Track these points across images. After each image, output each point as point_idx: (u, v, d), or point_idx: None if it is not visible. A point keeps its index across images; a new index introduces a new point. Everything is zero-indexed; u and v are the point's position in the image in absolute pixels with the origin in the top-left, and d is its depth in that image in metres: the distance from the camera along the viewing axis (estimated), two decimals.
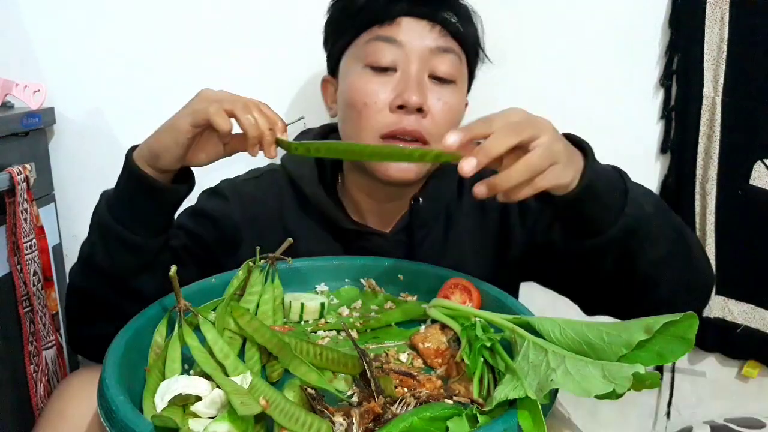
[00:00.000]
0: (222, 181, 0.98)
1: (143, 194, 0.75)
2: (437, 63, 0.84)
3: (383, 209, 0.93)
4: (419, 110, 0.82)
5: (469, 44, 0.89)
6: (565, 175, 0.64)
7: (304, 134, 1.00)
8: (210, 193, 0.97)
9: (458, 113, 0.88)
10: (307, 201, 0.92)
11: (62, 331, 1.27)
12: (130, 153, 0.76)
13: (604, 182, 0.68)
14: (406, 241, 0.91)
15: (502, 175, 0.61)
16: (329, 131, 0.97)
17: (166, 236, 0.80)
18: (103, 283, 0.78)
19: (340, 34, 0.90)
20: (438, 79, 0.85)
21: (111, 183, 1.31)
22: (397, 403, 0.55)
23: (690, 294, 0.80)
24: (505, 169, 0.61)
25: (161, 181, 0.75)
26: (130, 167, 0.75)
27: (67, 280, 0.87)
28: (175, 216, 0.84)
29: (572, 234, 0.74)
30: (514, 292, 0.96)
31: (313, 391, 0.56)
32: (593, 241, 0.70)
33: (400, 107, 0.82)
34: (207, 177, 1.00)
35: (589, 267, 0.76)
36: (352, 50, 0.88)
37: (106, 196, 0.80)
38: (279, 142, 0.70)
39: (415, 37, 0.84)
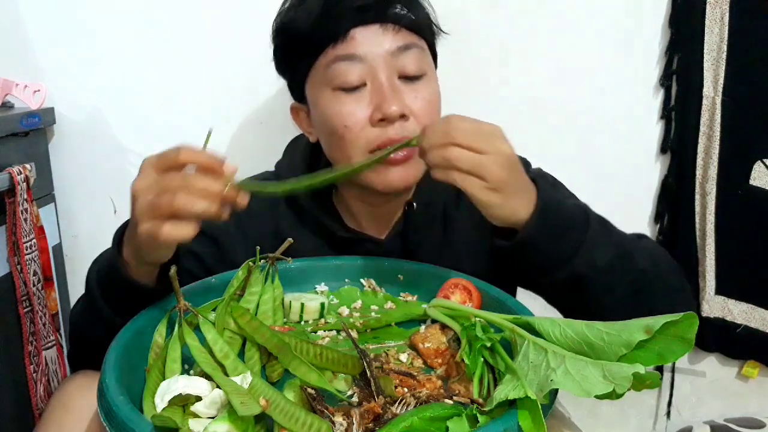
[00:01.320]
0: None
1: (141, 298, 0.72)
2: (403, 63, 0.82)
3: (378, 213, 0.92)
4: (402, 116, 0.81)
5: (425, 29, 0.86)
6: (486, 198, 0.67)
7: (297, 140, 0.99)
8: None
9: (438, 102, 0.87)
10: (303, 210, 0.91)
11: (62, 331, 1.27)
12: (117, 264, 0.70)
13: (550, 234, 0.70)
14: (402, 246, 0.91)
15: (428, 129, 0.68)
16: None
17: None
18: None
19: (296, 62, 0.87)
20: (409, 78, 0.83)
21: (111, 183, 1.32)
22: (397, 403, 0.55)
23: None
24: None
25: (157, 287, 0.71)
26: (126, 280, 0.69)
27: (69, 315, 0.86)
28: None
29: (521, 270, 0.77)
30: (512, 293, 0.96)
31: (313, 391, 0.56)
32: (540, 280, 0.74)
33: (382, 120, 0.80)
34: None
35: (548, 298, 0.80)
36: (314, 76, 0.85)
37: (97, 282, 0.74)
38: (243, 188, 0.64)
39: (372, 46, 0.81)
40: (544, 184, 0.73)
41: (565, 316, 0.82)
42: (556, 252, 0.71)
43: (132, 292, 0.70)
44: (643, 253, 0.78)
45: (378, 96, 0.81)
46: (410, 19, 0.84)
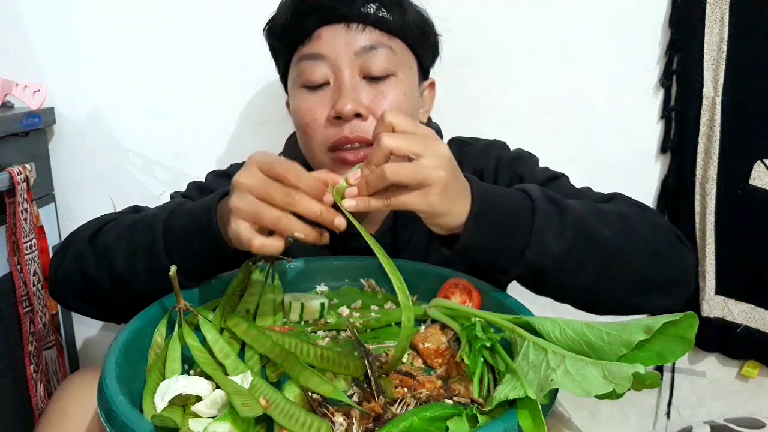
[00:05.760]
0: (231, 166, 1.00)
1: (217, 258, 0.72)
2: (367, 63, 0.82)
3: (365, 212, 0.92)
4: (358, 115, 0.81)
5: (401, 31, 0.85)
6: (432, 207, 0.63)
7: (296, 135, 0.99)
8: (219, 174, 0.98)
9: (406, 104, 0.85)
10: None
11: (62, 331, 1.27)
12: (214, 216, 0.70)
13: (491, 232, 0.67)
14: (392, 241, 0.91)
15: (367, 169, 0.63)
16: None
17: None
18: (107, 279, 0.78)
19: (278, 58, 0.92)
20: (374, 78, 0.83)
21: (111, 182, 1.32)
22: (397, 404, 0.55)
23: (655, 294, 0.76)
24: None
25: (236, 258, 0.72)
26: (216, 237, 0.69)
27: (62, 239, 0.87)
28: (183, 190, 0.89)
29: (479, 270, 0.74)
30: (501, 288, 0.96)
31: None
32: (498, 277, 0.72)
33: (339, 118, 0.81)
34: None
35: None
36: (290, 73, 0.88)
37: (164, 227, 0.74)
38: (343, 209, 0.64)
39: (335, 46, 0.82)
40: (477, 181, 0.69)
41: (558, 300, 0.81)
42: (502, 249, 0.67)
43: (223, 257, 0.71)
44: (608, 219, 0.73)
45: (336, 94, 0.82)
46: (380, 18, 0.83)
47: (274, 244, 0.64)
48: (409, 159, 0.62)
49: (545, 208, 0.68)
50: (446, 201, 0.63)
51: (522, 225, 0.67)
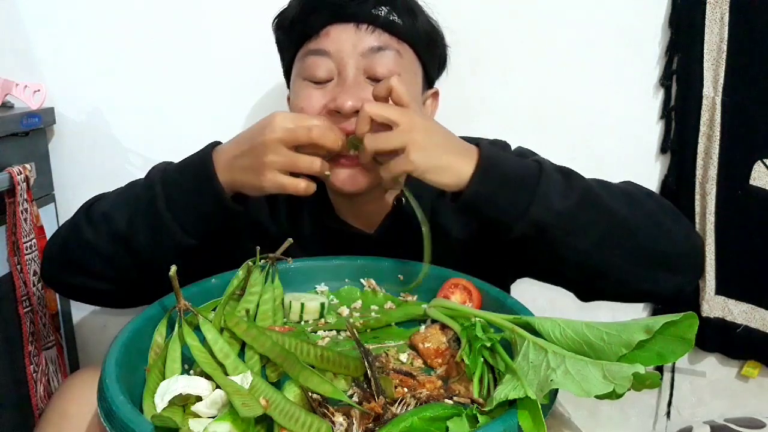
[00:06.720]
0: None
1: (218, 213, 0.77)
2: (372, 64, 0.82)
3: (363, 211, 0.93)
4: (356, 112, 0.80)
5: (410, 36, 0.86)
6: (415, 162, 0.69)
7: None
8: None
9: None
10: (299, 200, 0.90)
11: (62, 331, 1.27)
12: (213, 173, 0.76)
13: (498, 186, 0.70)
14: (391, 241, 0.91)
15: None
16: None
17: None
18: (112, 243, 0.79)
19: (283, 52, 0.92)
20: (378, 80, 0.83)
21: (111, 182, 1.31)
22: (397, 404, 0.55)
23: (662, 270, 0.76)
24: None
25: (237, 207, 0.77)
26: (216, 192, 0.75)
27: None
28: None
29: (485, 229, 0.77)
30: (504, 289, 0.96)
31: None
32: (504, 236, 0.72)
33: (337, 111, 0.81)
34: None
35: (521, 257, 0.80)
36: (295, 67, 0.89)
37: (162, 184, 0.78)
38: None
39: (343, 44, 0.82)
40: (489, 145, 0.72)
41: (562, 284, 0.83)
42: (508, 203, 0.70)
43: (224, 212, 0.77)
44: (616, 192, 0.75)
45: (338, 89, 0.82)
46: (391, 22, 0.83)
47: (313, 184, 0.75)
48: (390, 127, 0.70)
49: (552, 174, 0.71)
50: (428, 158, 0.69)
51: (528, 183, 0.70)
